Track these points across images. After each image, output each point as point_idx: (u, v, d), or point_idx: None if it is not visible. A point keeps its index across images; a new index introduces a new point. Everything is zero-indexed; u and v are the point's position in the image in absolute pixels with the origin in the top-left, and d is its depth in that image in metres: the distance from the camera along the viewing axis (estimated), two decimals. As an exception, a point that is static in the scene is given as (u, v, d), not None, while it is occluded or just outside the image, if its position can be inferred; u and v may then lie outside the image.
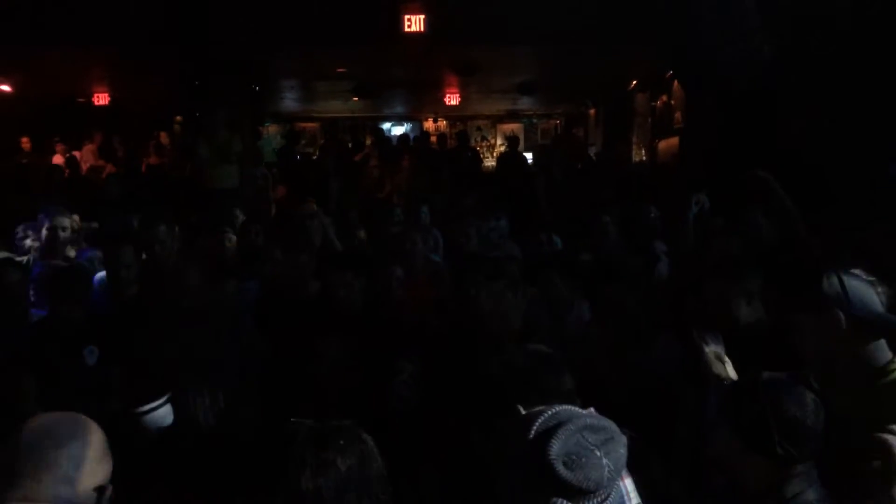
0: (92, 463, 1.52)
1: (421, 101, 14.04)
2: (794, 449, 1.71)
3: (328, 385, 3.39)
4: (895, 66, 4.95)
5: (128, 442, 3.17)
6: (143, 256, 4.09)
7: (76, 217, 5.54)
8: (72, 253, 4.69)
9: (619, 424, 1.61)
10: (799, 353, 2.15)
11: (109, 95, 11.42)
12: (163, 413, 3.40)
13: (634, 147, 11.98)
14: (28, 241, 4.72)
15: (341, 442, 1.69)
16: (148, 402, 3.28)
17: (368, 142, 11.72)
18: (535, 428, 1.53)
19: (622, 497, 1.52)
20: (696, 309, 2.99)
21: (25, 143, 10.83)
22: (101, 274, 4.03)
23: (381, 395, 3.29)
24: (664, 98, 10.55)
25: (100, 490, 1.52)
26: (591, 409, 1.65)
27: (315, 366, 3.53)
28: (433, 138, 13.66)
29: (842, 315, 2.02)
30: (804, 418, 1.71)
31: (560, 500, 1.43)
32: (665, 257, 4.52)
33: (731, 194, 4.17)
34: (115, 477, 2.25)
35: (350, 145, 11.51)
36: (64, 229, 4.43)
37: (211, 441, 3.07)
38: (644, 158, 11.59)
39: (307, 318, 3.87)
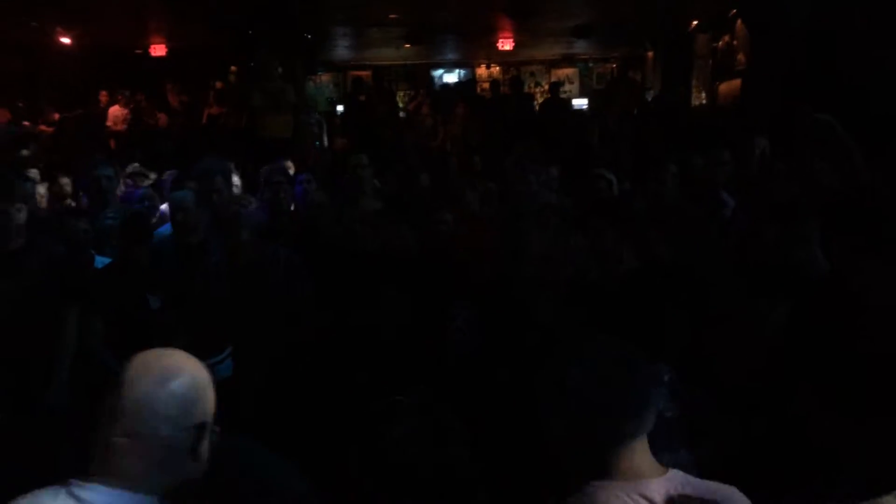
0: (192, 401, 1.50)
1: (473, 47, 13.80)
2: None
3: (386, 334, 3.45)
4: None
5: None
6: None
7: (136, 164, 5.70)
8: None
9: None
10: (861, 299, 2.10)
11: (166, 46, 11.56)
12: (223, 368, 3.51)
13: (694, 90, 11.61)
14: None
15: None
16: (210, 357, 3.38)
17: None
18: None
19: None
20: (756, 254, 2.93)
21: (103, 96, 11.03)
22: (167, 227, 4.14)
23: (437, 342, 3.34)
24: (726, 38, 10.15)
25: (200, 427, 1.51)
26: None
27: (373, 315, 3.59)
28: (486, 85, 13.48)
29: None
30: None
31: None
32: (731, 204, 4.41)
33: (794, 138, 4.03)
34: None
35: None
36: (109, 179, 4.54)
37: (267, 395, 3.18)
38: (704, 102, 11.23)
39: (362, 268, 3.92)
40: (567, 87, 14.88)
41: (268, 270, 3.52)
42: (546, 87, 14.36)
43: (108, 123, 10.48)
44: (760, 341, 2.64)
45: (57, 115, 10.50)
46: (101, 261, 3.83)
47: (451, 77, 15.25)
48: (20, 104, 10.66)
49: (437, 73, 15.44)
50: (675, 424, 2.10)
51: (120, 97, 10.83)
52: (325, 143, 5.18)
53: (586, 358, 1.59)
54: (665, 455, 1.63)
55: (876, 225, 2.07)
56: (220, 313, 3.44)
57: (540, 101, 12.32)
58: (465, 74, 15.38)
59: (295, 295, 3.49)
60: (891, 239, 2.03)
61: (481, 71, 15.46)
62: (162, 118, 10.49)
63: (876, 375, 2.00)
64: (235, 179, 4.96)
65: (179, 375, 1.50)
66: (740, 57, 9.38)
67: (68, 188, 5.76)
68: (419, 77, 14.77)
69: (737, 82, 9.29)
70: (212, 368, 2.55)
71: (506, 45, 12.11)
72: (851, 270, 2.20)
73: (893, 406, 1.89)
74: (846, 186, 3.36)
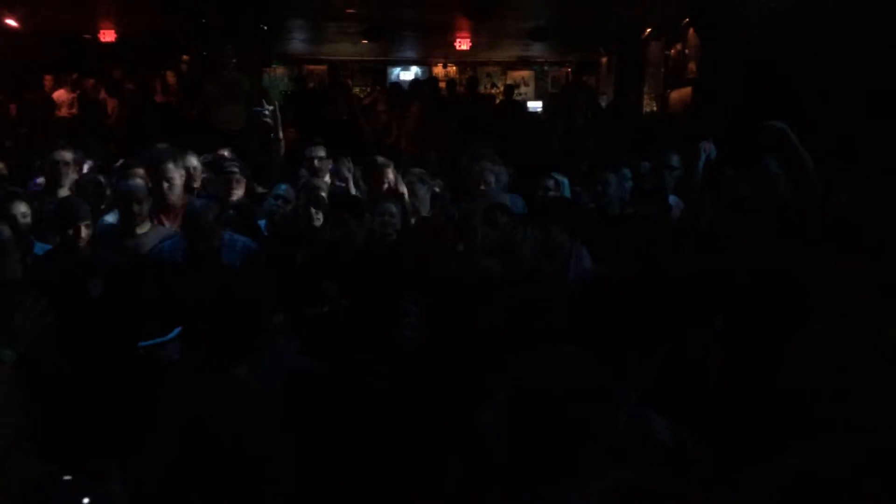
0: None
1: (431, 46, 13.81)
2: None
3: (332, 325, 3.45)
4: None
5: (136, 375, 3.25)
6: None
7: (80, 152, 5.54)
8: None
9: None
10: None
11: (116, 32, 11.27)
12: (171, 349, 3.48)
13: (646, 97, 11.81)
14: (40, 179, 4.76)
15: None
16: (156, 338, 3.36)
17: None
18: None
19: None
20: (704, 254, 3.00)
21: (48, 80, 10.71)
22: (107, 217, 4.05)
23: (386, 336, 3.33)
24: (678, 47, 10.35)
25: None
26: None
27: (319, 306, 3.58)
28: (442, 84, 13.49)
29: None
30: None
31: None
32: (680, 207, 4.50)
33: (747, 144, 4.12)
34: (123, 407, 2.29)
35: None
36: (66, 164, 4.42)
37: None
38: (655, 109, 11.43)
39: (312, 259, 3.91)
40: (522, 89, 15.02)
41: (224, 257, 3.62)
42: (502, 88, 14.44)
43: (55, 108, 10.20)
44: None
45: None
46: (41, 247, 3.71)
47: (408, 75, 15.22)
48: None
49: (394, 70, 15.40)
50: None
51: (67, 81, 10.53)
52: (281, 135, 5.09)
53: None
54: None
55: (827, 231, 2.14)
56: (171, 297, 3.42)
57: (495, 101, 12.39)
58: (421, 73, 15.37)
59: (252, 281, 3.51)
60: (846, 246, 2.09)
61: (438, 70, 15.47)
62: (111, 104, 10.22)
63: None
64: (196, 163, 4.87)
65: None
66: (691, 65, 9.57)
67: (4, 171, 5.60)
68: (376, 74, 14.71)
69: (688, 90, 9.48)
70: (156, 349, 2.51)
71: (463, 45, 12.13)
72: (799, 273, 2.25)
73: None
74: (799, 193, 3.44)
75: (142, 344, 3.37)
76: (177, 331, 3.40)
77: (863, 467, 1.57)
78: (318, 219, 4.08)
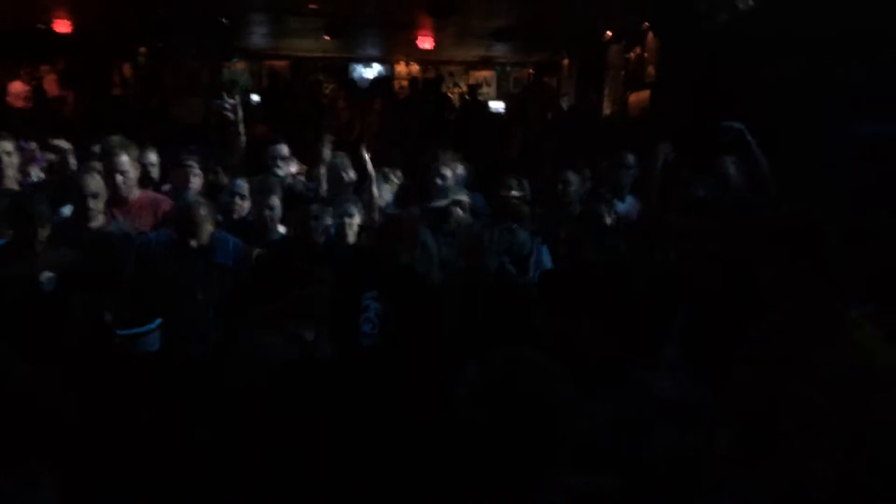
0: None
1: (393, 44, 13.74)
2: None
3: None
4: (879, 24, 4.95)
5: (113, 365, 3.21)
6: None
7: (33, 144, 5.41)
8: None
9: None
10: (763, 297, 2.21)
11: (71, 23, 11.00)
12: (149, 340, 3.46)
13: (606, 99, 11.94)
14: None
15: None
16: (134, 327, 3.34)
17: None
18: None
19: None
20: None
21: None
22: (66, 208, 3.97)
23: (348, 331, 3.34)
24: (637, 50, 10.50)
25: None
26: None
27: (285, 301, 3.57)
28: (404, 82, 13.49)
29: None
30: None
31: None
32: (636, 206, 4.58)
33: (704, 145, 4.20)
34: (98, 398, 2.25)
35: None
36: (8, 154, 4.29)
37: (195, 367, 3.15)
38: (614, 110, 11.57)
39: (271, 256, 3.89)
40: (485, 89, 15.05)
41: (217, 256, 3.67)
42: (464, 87, 14.46)
43: (9, 99, 9.93)
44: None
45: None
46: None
47: (370, 72, 15.16)
48: None
49: (356, 67, 15.32)
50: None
51: (22, 72, 10.27)
52: (241, 129, 5.03)
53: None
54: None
55: (781, 232, 2.19)
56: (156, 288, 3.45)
57: (456, 101, 12.40)
58: (383, 70, 15.32)
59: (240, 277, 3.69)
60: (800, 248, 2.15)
61: (400, 68, 15.43)
62: (69, 95, 10.01)
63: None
64: (153, 158, 4.82)
65: None
66: (650, 69, 9.72)
67: None
68: (338, 71, 14.60)
69: (646, 93, 9.63)
70: (133, 339, 2.49)
71: (425, 43, 12.13)
72: (753, 273, 2.31)
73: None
74: (754, 192, 3.52)
75: (120, 333, 3.33)
76: (157, 322, 3.39)
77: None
78: (272, 217, 4.07)
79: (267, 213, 4.07)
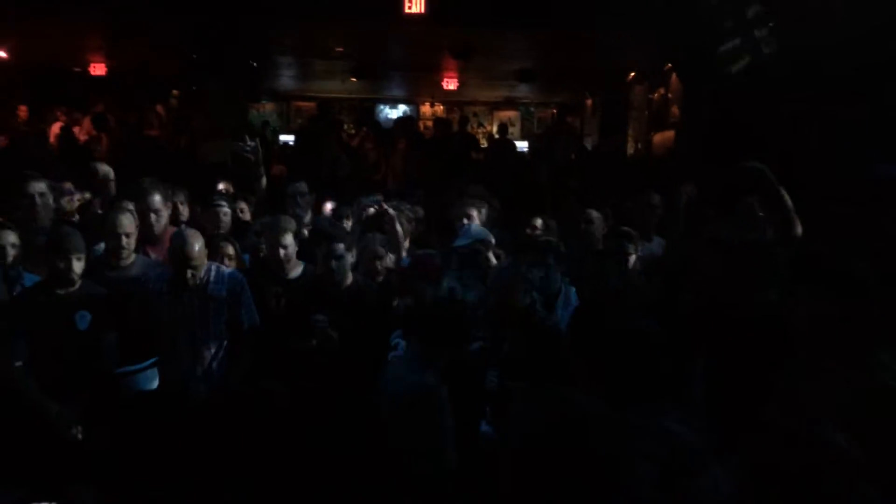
0: None
1: (419, 85, 13.98)
2: None
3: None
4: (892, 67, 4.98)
5: (114, 402, 3.26)
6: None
7: (69, 185, 5.54)
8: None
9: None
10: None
11: (106, 66, 11.35)
12: (143, 378, 3.51)
13: (630, 139, 12.00)
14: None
15: None
16: (131, 364, 3.39)
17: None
18: None
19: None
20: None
21: (23, 111, 10.75)
22: (100, 245, 4.05)
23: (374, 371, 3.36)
24: (661, 91, 10.57)
25: None
26: None
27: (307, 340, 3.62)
28: (429, 122, 13.65)
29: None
30: None
31: None
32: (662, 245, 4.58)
33: (726, 185, 4.20)
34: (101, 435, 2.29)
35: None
36: (42, 194, 4.39)
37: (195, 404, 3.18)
38: (638, 150, 11.61)
39: (297, 294, 3.93)
40: (509, 129, 15.20)
41: (211, 287, 3.65)
42: (489, 128, 14.63)
43: (52, 141, 10.22)
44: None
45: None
46: (31, 278, 3.70)
47: (396, 113, 15.40)
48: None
49: (382, 108, 15.57)
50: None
51: (59, 114, 10.58)
52: (262, 170, 5.10)
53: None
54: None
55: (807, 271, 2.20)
56: (153, 326, 3.51)
57: (482, 141, 12.55)
58: (409, 111, 15.55)
59: (234, 311, 3.67)
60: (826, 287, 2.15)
61: (425, 108, 15.66)
62: (103, 136, 10.28)
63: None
64: (182, 198, 4.91)
65: None
66: (674, 109, 9.76)
67: None
68: (364, 111, 14.86)
69: (670, 133, 9.66)
70: (128, 377, 2.51)
71: (450, 84, 12.32)
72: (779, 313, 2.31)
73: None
74: (780, 233, 3.50)
75: (118, 371, 3.38)
76: (151, 360, 3.42)
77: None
78: (287, 256, 4.01)
79: (281, 252, 3.99)
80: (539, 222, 4.97)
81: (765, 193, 3.62)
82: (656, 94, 10.85)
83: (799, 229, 3.49)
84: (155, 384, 3.49)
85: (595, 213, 4.98)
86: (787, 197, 3.53)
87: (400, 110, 15.64)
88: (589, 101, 14.27)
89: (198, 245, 3.55)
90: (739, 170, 3.67)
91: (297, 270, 4.08)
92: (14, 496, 1.76)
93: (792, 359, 2.26)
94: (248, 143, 4.90)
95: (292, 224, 4.14)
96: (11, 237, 3.70)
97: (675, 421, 1.96)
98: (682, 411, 2.04)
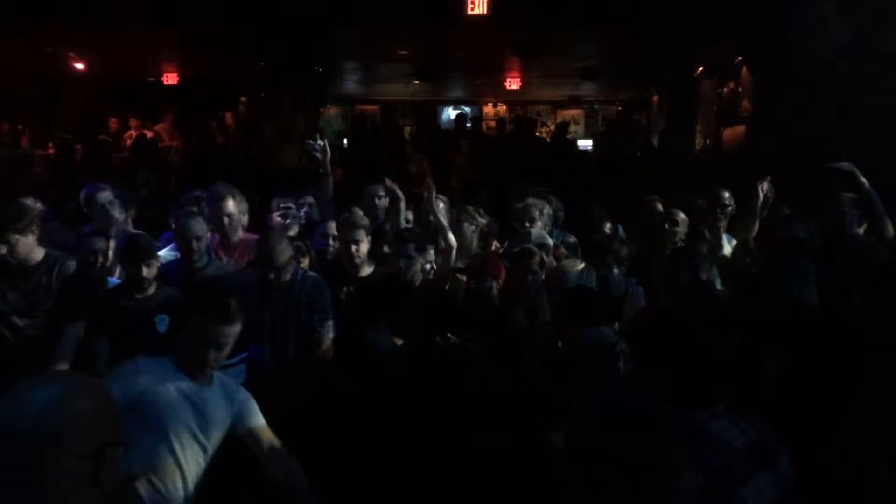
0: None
1: (481, 86, 13.99)
2: None
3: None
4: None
5: None
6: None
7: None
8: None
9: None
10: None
11: (178, 75, 11.74)
12: (233, 373, 3.57)
13: (697, 135, 11.73)
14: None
15: None
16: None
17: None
18: None
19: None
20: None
21: (113, 123, 11.23)
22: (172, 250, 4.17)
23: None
24: (731, 85, 10.29)
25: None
26: None
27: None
28: (492, 123, 13.62)
29: None
30: None
31: None
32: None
33: (814, 184, 4.08)
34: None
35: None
36: (111, 203, 4.55)
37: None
38: (706, 145, 11.34)
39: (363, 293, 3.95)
40: (573, 127, 15.04)
41: (293, 292, 3.68)
42: (552, 127, 14.52)
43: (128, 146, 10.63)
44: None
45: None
46: (112, 282, 3.86)
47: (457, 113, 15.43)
48: (19, 127, 10.81)
49: (444, 109, 15.62)
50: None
51: (133, 122, 10.99)
52: (329, 170, 5.13)
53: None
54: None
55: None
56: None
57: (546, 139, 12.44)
58: (471, 111, 15.56)
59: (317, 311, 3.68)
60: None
61: (488, 109, 15.64)
62: (177, 143, 10.64)
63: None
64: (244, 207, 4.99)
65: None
66: (745, 103, 9.49)
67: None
68: (426, 113, 14.94)
69: (741, 128, 9.39)
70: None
71: (513, 84, 12.27)
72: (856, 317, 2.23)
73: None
74: (872, 235, 3.40)
75: None
76: (242, 355, 3.47)
77: None
78: (358, 251, 4.04)
79: (353, 248, 4.01)
80: (607, 224, 4.90)
81: (857, 193, 3.53)
82: (726, 89, 10.57)
83: (891, 230, 3.38)
84: (242, 380, 3.55)
85: (681, 215, 4.81)
86: (876, 197, 3.43)
87: (462, 111, 15.67)
88: (655, 98, 14.01)
89: (281, 247, 3.60)
90: (827, 170, 3.56)
91: (367, 269, 4.11)
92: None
93: (872, 362, 2.17)
94: (318, 142, 4.94)
95: (366, 221, 4.17)
96: (100, 243, 3.88)
97: (729, 425, 1.93)
98: (740, 415, 1.99)
